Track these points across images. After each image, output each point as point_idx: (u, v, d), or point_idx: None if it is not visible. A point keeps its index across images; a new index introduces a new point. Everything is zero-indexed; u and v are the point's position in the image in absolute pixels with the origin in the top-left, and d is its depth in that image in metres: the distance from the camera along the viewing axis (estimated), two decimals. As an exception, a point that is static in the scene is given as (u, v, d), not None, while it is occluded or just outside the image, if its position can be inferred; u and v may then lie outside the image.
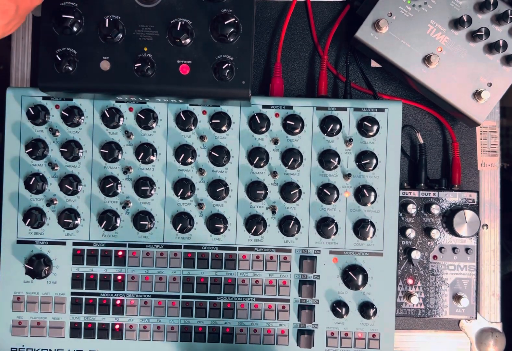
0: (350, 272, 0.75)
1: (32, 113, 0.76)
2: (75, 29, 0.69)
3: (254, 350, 0.76)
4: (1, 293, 0.77)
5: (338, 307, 0.76)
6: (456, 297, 0.80)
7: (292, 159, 0.76)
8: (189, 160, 0.76)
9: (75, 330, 0.77)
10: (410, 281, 0.81)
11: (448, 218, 0.80)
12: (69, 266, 0.77)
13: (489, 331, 0.83)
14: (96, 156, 0.77)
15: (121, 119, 0.77)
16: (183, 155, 0.76)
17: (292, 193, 0.76)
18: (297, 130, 0.76)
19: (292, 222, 0.76)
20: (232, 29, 0.68)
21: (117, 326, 0.77)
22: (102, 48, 0.69)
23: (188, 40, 0.69)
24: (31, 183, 0.76)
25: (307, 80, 0.86)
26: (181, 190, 0.76)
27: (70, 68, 0.69)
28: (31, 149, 0.76)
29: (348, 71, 0.84)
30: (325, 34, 0.86)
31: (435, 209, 0.79)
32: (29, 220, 0.76)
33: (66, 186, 0.76)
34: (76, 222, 0.77)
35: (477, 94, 0.75)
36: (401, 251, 0.81)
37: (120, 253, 0.77)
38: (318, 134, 0.77)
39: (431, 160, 0.86)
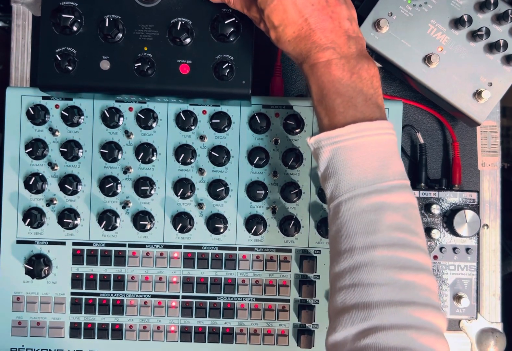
0: (350, 272, 0.75)
1: (32, 113, 0.76)
2: (75, 28, 0.69)
3: None
4: (1, 293, 0.77)
5: (338, 307, 0.76)
6: (457, 297, 0.80)
7: (292, 159, 0.75)
8: (189, 160, 0.76)
9: (75, 330, 0.77)
10: (410, 281, 0.81)
11: (448, 218, 0.80)
12: (69, 266, 0.77)
13: (489, 331, 0.83)
14: (96, 156, 0.77)
15: (121, 119, 0.76)
16: (183, 155, 0.75)
17: (292, 192, 0.76)
18: (297, 130, 0.76)
19: (292, 222, 0.75)
20: (232, 29, 0.68)
21: (117, 326, 0.77)
22: (102, 47, 0.69)
23: (188, 40, 0.69)
24: (30, 183, 0.75)
25: (307, 80, 0.86)
26: (181, 189, 0.75)
27: (70, 68, 0.69)
28: (30, 149, 0.76)
29: (348, 71, 0.83)
30: (325, 34, 0.86)
31: (435, 209, 0.79)
32: (29, 220, 0.76)
33: (66, 185, 0.76)
34: (76, 222, 0.77)
35: (477, 94, 0.75)
36: (402, 251, 0.81)
37: (120, 253, 0.77)
38: (318, 134, 0.76)
39: (432, 160, 0.86)
